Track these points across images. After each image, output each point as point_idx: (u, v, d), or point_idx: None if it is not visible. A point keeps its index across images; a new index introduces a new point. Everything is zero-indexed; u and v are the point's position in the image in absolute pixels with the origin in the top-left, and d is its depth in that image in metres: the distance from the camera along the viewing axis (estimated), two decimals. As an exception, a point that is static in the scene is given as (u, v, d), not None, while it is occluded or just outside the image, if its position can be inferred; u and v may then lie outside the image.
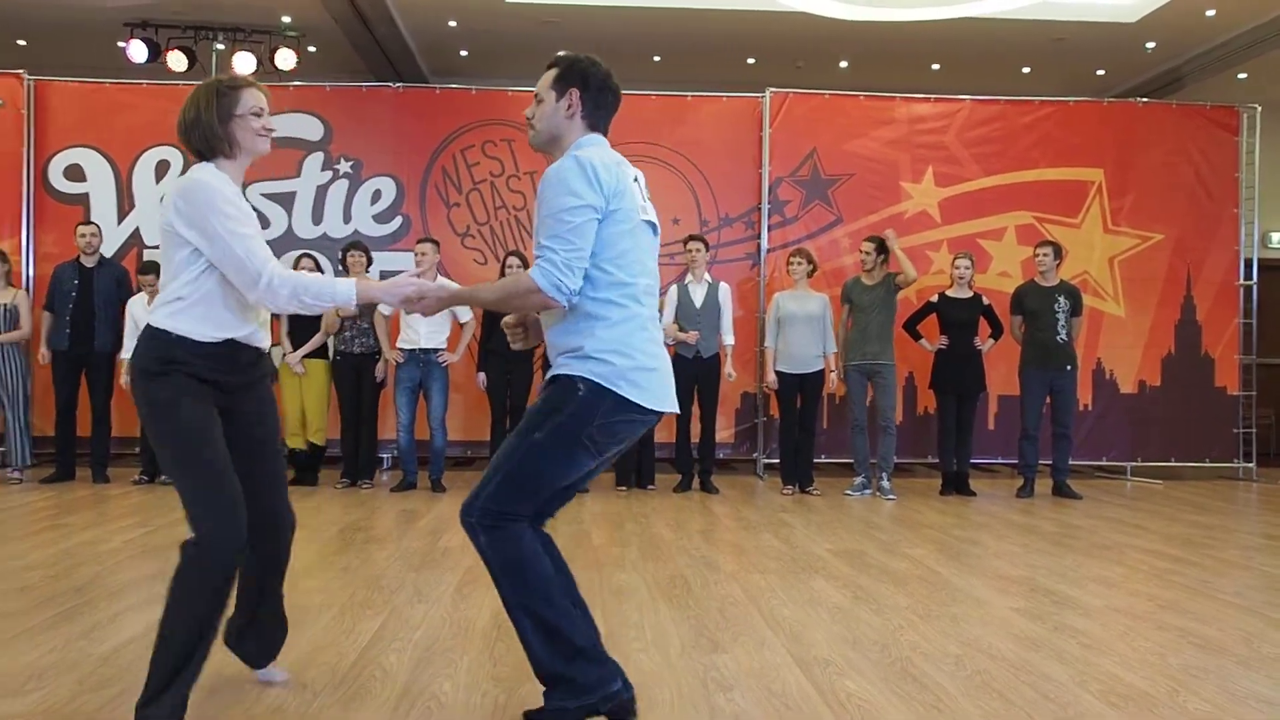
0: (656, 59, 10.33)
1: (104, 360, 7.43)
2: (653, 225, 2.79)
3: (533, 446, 2.58)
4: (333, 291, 2.68)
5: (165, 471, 2.73)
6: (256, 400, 2.83)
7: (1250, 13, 8.91)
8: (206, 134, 2.70)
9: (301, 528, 5.63)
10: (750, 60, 10.33)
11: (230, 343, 2.70)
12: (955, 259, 7.71)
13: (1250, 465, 8.94)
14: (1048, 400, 7.58)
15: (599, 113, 2.75)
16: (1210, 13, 8.92)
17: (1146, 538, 5.87)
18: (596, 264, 2.60)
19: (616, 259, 2.63)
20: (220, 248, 2.59)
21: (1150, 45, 9.76)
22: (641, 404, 2.61)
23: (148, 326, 2.69)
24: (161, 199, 2.84)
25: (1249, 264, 9.06)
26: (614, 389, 2.58)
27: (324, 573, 4.55)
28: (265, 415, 2.86)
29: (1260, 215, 9.44)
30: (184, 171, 8.36)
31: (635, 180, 2.71)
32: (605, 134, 2.77)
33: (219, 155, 2.73)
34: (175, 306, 2.64)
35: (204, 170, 2.70)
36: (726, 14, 9.09)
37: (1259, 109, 9.10)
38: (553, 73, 2.75)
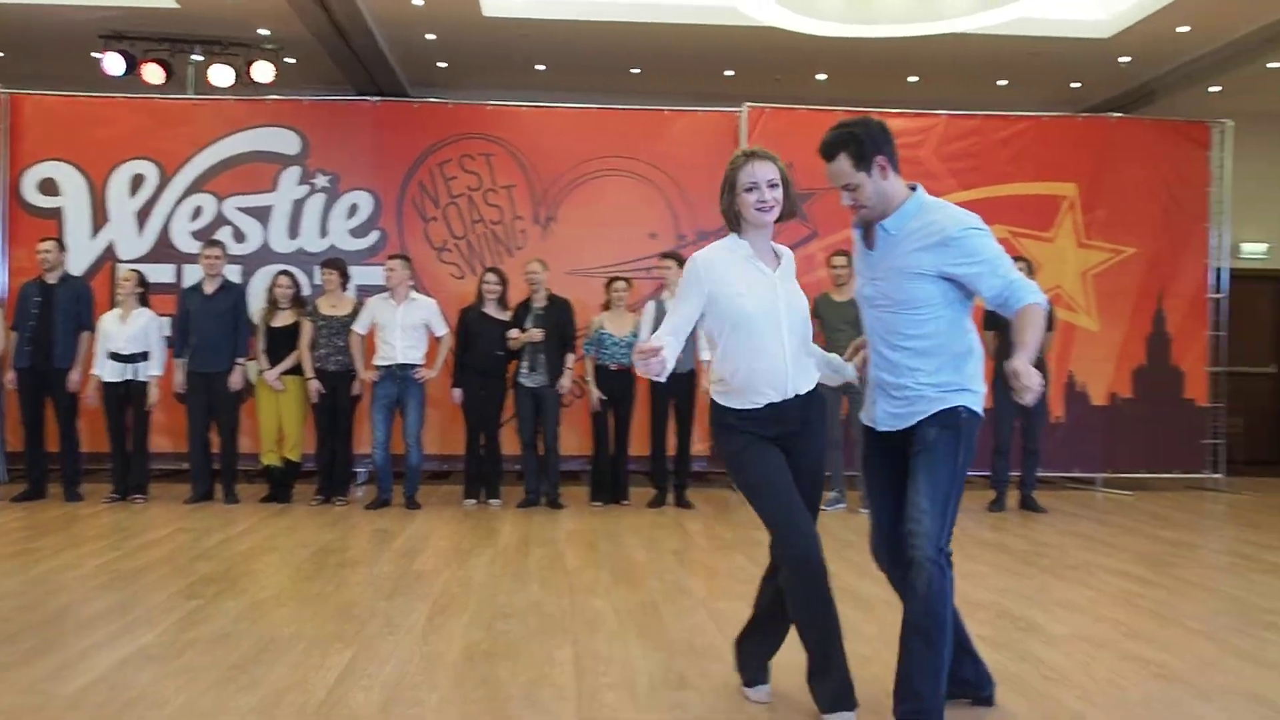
0: (635, 71, 10.36)
1: (63, 377, 7.31)
2: None
3: (959, 471, 2.92)
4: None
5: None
6: None
7: (1223, 29, 9.02)
8: (725, 208, 3.09)
9: (274, 550, 5.69)
10: (728, 73, 10.38)
11: None
12: None
13: (1219, 476, 9.06)
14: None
15: (895, 156, 2.94)
16: (1183, 29, 9.02)
17: (1115, 556, 5.95)
18: (965, 304, 2.96)
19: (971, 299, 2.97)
20: None
21: (1124, 60, 9.85)
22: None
23: None
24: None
25: (1219, 276, 9.17)
26: (970, 407, 2.95)
27: (294, 601, 4.56)
28: None
29: (1232, 227, 9.54)
30: (162, 186, 8.35)
31: None
32: None
33: (737, 228, 3.09)
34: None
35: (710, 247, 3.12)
36: (703, 28, 9.13)
37: (1230, 124, 9.21)
38: (846, 160, 2.90)
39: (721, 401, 3.10)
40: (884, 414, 3.03)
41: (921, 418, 2.93)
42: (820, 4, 8.54)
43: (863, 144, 2.86)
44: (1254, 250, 11.63)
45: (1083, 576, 5.38)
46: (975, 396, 2.96)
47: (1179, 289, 9.11)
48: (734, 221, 3.07)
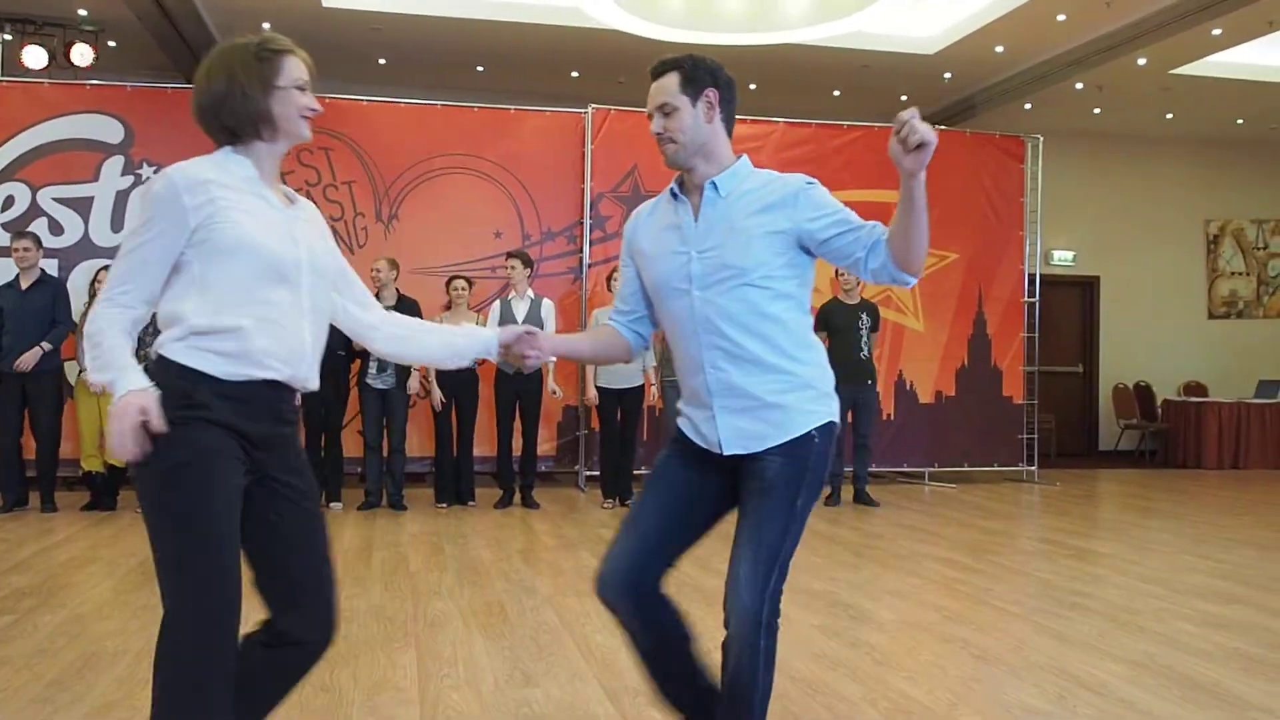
0: (480, 69, 10.27)
1: None
2: None
3: (798, 516, 2.36)
4: (110, 376, 1.99)
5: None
6: None
7: (1033, 50, 9.66)
8: (237, 109, 2.10)
9: (97, 560, 5.40)
10: (574, 74, 10.42)
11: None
12: None
13: (1033, 468, 9.69)
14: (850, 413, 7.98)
15: (731, 115, 2.45)
16: (999, 49, 9.60)
17: (940, 545, 6.29)
18: (807, 284, 2.45)
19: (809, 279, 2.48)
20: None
21: (947, 75, 10.41)
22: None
23: None
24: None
25: (1033, 281, 9.81)
26: (833, 420, 2.43)
27: (120, 613, 4.34)
28: None
29: (1042, 236, 10.21)
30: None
31: None
32: None
33: (251, 139, 2.14)
34: None
35: (194, 162, 2.08)
36: (548, 29, 9.15)
37: (1041, 139, 9.86)
38: (675, 77, 2.41)
39: (188, 362, 2.02)
40: (731, 431, 2.39)
41: (774, 443, 2.37)
42: (663, 9, 8.69)
43: (698, 69, 2.41)
44: (1063, 257, 12.49)
45: (910, 565, 5.67)
46: (831, 401, 2.43)
47: (997, 293, 9.69)
48: (244, 129, 2.12)
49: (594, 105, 8.92)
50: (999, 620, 4.45)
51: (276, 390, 2.11)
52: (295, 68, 2.17)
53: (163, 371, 2.02)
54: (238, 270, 2.04)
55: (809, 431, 2.37)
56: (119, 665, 3.59)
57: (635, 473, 7.87)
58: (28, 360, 6.79)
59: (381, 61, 10.16)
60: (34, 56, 9.05)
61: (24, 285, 6.92)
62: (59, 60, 9.07)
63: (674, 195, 2.49)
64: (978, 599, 4.85)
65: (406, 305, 7.37)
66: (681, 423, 2.56)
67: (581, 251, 8.81)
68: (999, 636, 4.17)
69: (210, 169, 2.08)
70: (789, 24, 8.83)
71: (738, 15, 8.82)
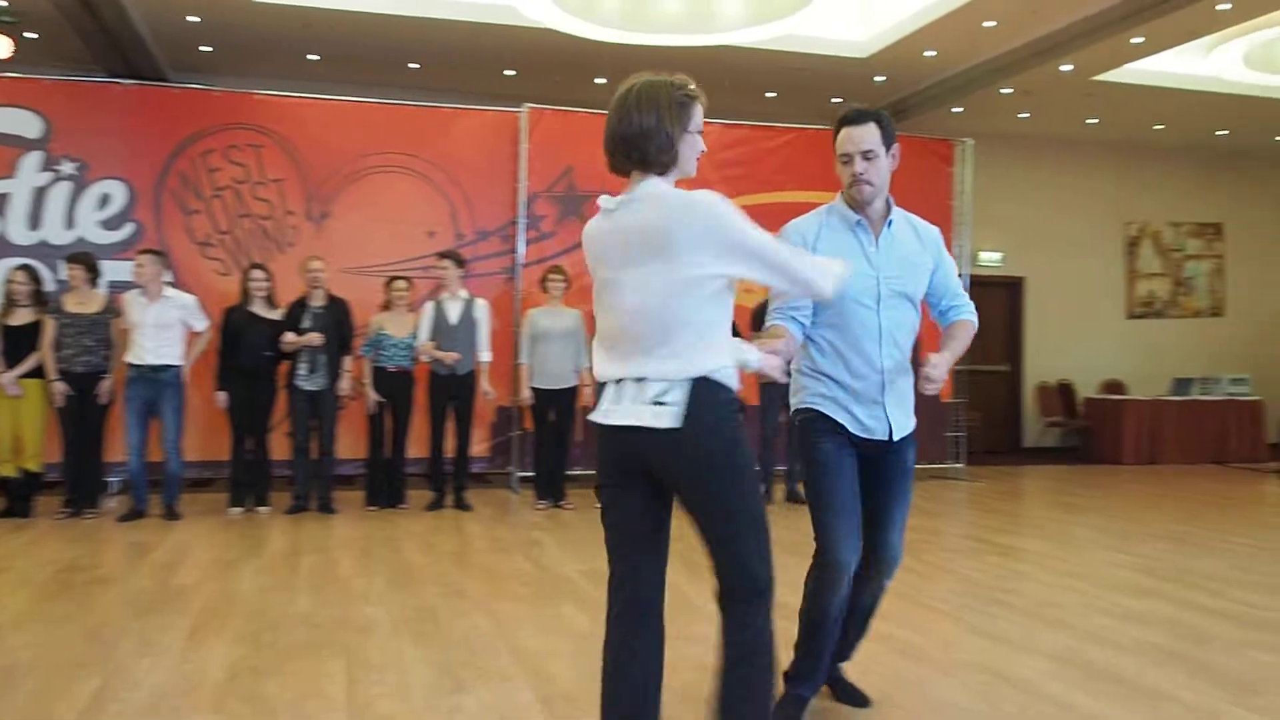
0: (413, 66, 10.15)
1: None
2: None
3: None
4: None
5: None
6: None
7: (963, 55, 9.82)
8: (662, 145, 2.41)
9: (10, 569, 5.24)
10: (509, 72, 10.35)
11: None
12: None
13: (960, 465, 9.86)
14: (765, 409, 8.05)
15: None
16: (930, 53, 9.75)
17: (870, 543, 6.36)
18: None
19: None
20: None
21: (879, 79, 10.54)
22: None
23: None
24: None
25: (961, 281, 9.96)
26: None
27: (35, 625, 4.21)
28: None
29: (971, 237, 10.39)
30: None
31: None
32: None
33: (659, 171, 2.46)
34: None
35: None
36: (482, 26, 9.05)
37: (971, 142, 10.04)
38: (875, 128, 2.93)
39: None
40: (897, 422, 3.04)
41: (912, 429, 3.09)
42: (598, 9, 8.67)
43: (889, 125, 2.96)
44: (990, 258, 12.74)
45: (841, 564, 5.72)
46: None
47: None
48: (659, 163, 2.46)
49: (529, 104, 8.88)
50: (927, 618, 4.52)
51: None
52: (700, 114, 2.47)
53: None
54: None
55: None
56: (34, 678, 3.48)
57: (568, 473, 7.85)
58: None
59: (312, 57, 9.99)
60: (-53, 47, 8.72)
61: (-65, 284, 6.68)
62: (-26, 52, 8.76)
63: (857, 222, 3.01)
64: (907, 596, 4.91)
65: (337, 305, 7.28)
66: (837, 414, 3.02)
67: (515, 251, 8.76)
68: (927, 636, 4.23)
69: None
70: (724, 26, 8.86)
71: (674, 16, 8.84)
